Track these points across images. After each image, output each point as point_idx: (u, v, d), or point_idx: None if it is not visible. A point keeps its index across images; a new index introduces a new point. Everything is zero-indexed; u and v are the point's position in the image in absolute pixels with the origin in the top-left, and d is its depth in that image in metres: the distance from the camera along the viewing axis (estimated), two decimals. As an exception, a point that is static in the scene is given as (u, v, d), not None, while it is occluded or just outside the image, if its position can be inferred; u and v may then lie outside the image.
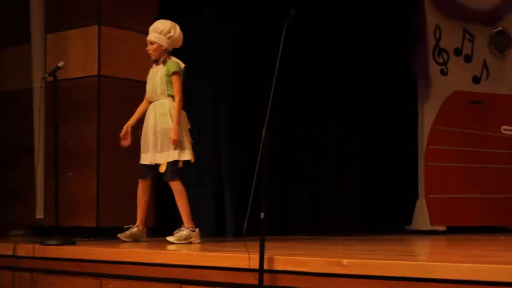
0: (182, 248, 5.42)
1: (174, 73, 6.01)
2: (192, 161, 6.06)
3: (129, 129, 6.12)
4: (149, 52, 6.09)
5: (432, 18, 9.05)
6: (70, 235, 5.85)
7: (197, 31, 7.47)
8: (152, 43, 6.07)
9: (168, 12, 6.96)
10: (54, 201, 5.82)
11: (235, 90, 7.56)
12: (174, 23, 6.12)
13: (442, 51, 9.10)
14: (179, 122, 5.94)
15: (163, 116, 5.99)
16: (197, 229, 5.97)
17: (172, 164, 5.93)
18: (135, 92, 6.57)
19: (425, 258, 5.00)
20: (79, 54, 6.94)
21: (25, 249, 5.62)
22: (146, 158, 6.04)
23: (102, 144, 6.80)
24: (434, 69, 9.03)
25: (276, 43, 4.36)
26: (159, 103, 6.04)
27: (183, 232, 5.90)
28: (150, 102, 6.13)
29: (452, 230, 8.80)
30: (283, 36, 4.32)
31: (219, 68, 7.54)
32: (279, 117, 7.30)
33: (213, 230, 7.26)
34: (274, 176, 7.40)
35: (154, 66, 6.15)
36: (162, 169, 5.91)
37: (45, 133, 7.04)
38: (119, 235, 6.04)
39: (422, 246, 6.38)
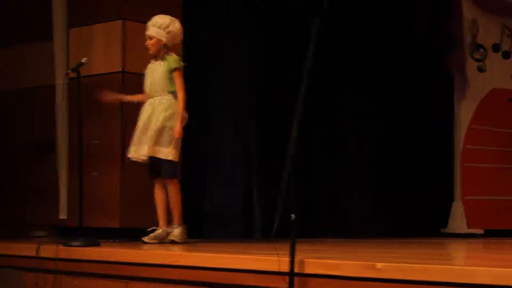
0: (209, 250, 5.31)
1: (175, 69, 5.97)
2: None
3: (119, 99, 6.17)
4: (148, 47, 6.05)
5: (469, 12, 9.00)
6: (94, 236, 5.81)
7: (222, 25, 7.48)
8: (150, 38, 6.04)
9: (192, 5, 6.97)
10: (78, 202, 5.80)
11: (263, 89, 7.46)
12: (173, 18, 6.10)
13: (479, 47, 9.03)
14: (183, 119, 5.91)
15: (165, 112, 5.94)
16: (185, 226, 6.05)
17: (170, 162, 5.92)
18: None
19: (462, 262, 4.91)
20: (102, 49, 6.95)
21: (48, 250, 5.58)
22: (142, 150, 5.95)
23: (126, 143, 6.70)
24: (471, 66, 8.99)
25: (304, 38, 4.23)
26: (158, 99, 6.00)
27: (179, 229, 5.99)
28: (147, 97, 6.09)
29: (489, 233, 8.72)
30: (312, 31, 4.17)
31: (247, 65, 7.51)
32: (309, 117, 7.16)
33: (241, 232, 7.26)
34: (303, 177, 7.31)
35: (152, 61, 6.10)
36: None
37: (68, 131, 7.01)
38: (143, 238, 5.99)
39: (459, 250, 6.34)
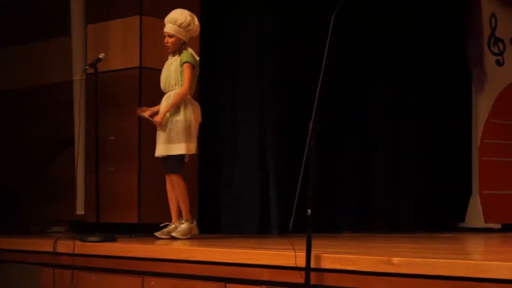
0: (225, 245, 5.31)
1: (185, 62, 5.90)
2: (196, 153, 6.03)
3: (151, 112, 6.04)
4: (167, 45, 5.99)
5: (487, 5, 8.93)
6: (111, 232, 5.83)
7: (242, 21, 7.43)
8: (170, 36, 5.97)
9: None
10: (95, 197, 5.80)
11: (281, 82, 7.44)
12: (192, 14, 6.03)
13: (498, 40, 8.97)
14: (172, 108, 5.87)
15: (177, 108, 5.90)
16: (194, 221, 6.03)
17: (174, 157, 5.88)
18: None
19: (479, 257, 4.87)
20: (120, 45, 6.92)
21: (65, 246, 5.59)
22: (158, 150, 5.96)
23: (144, 138, 6.73)
24: (489, 59, 8.90)
25: (325, 33, 4.20)
26: (172, 93, 5.95)
27: (183, 225, 5.94)
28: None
29: (507, 228, 8.67)
30: (331, 25, 4.15)
31: (265, 59, 7.46)
32: (327, 110, 7.16)
33: (258, 227, 7.22)
34: (321, 172, 7.27)
35: (170, 57, 6.05)
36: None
37: (85, 127, 6.99)
38: (155, 233, 6.00)
39: (476, 244, 6.30)
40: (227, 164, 7.37)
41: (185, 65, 5.89)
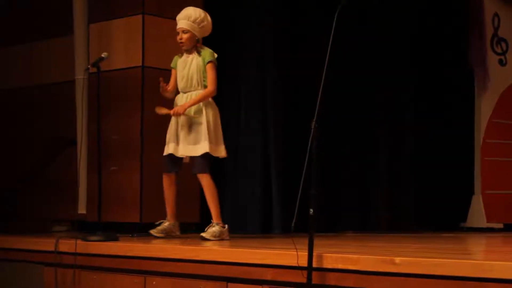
0: (228, 245, 5.36)
1: (209, 62, 5.87)
2: (226, 156, 5.97)
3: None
4: (182, 41, 5.91)
5: (490, 5, 8.89)
6: (113, 231, 5.82)
7: (244, 20, 7.43)
8: (185, 32, 5.90)
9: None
10: (97, 196, 5.79)
11: (284, 82, 7.45)
12: (205, 11, 5.99)
13: (501, 40, 8.94)
14: (195, 104, 5.80)
15: (202, 107, 5.85)
16: (226, 226, 5.87)
17: (203, 157, 5.81)
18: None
19: (481, 257, 4.87)
20: (122, 44, 6.94)
21: (67, 245, 5.58)
22: (175, 149, 5.90)
23: (146, 138, 6.75)
24: (492, 59, 8.87)
25: (328, 32, 4.21)
26: (194, 94, 5.89)
27: (215, 228, 5.79)
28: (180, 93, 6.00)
29: (509, 228, 8.65)
30: (333, 26, 4.15)
31: (267, 61, 7.46)
32: (329, 110, 7.16)
33: (260, 227, 7.21)
34: (323, 171, 7.27)
35: (185, 55, 5.98)
36: (187, 159, 5.88)
37: (87, 126, 7.00)
38: (150, 231, 5.97)
39: (478, 244, 6.29)
40: (230, 164, 7.36)
41: (210, 64, 5.85)
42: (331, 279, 4.09)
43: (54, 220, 7.41)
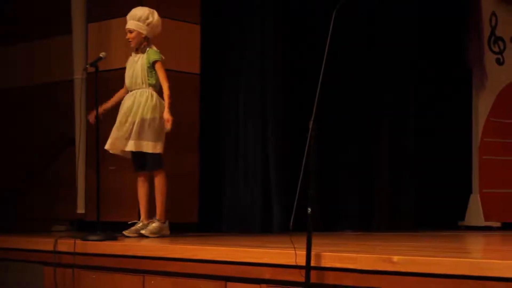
0: (227, 244, 5.34)
1: (156, 61, 5.95)
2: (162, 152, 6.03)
3: (101, 111, 6.05)
4: (129, 40, 6.02)
5: (487, 4, 8.91)
6: (112, 231, 5.82)
7: (243, 20, 7.42)
8: (131, 31, 6.01)
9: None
10: (96, 196, 5.78)
11: (282, 83, 7.44)
12: (152, 10, 6.07)
13: (498, 39, 8.95)
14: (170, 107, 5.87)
15: (146, 105, 5.93)
16: (167, 221, 6.02)
17: (158, 154, 5.94)
18: (180, 83, 6.54)
19: (479, 255, 4.83)
20: (121, 44, 6.86)
21: (66, 245, 5.58)
22: (119, 144, 5.97)
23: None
24: (489, 58, 8.89)
25: (327, 34, 4.20)
26: (139, 92, 5.99)
27: (155, 224, 5.95)
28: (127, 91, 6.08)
29: (507, 226, 8.67)
30: (331, 25, 4.15)
31: (266, 61, 7.44)
32: (328, 110, 7.17)
33: (259, 226, 7.21)
34: (322, 171, 7.28)
35: (133, 54, 6.09)
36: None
37: (86, 125, 6.95)
38: (124, 232, 6.00)
39: (476, 243, 6.29)
40: (229, 163, 7.36)
41: (158, 64, 5.94)
42: (330, 278, 4.08)
43: (53, 219, 7.39)
